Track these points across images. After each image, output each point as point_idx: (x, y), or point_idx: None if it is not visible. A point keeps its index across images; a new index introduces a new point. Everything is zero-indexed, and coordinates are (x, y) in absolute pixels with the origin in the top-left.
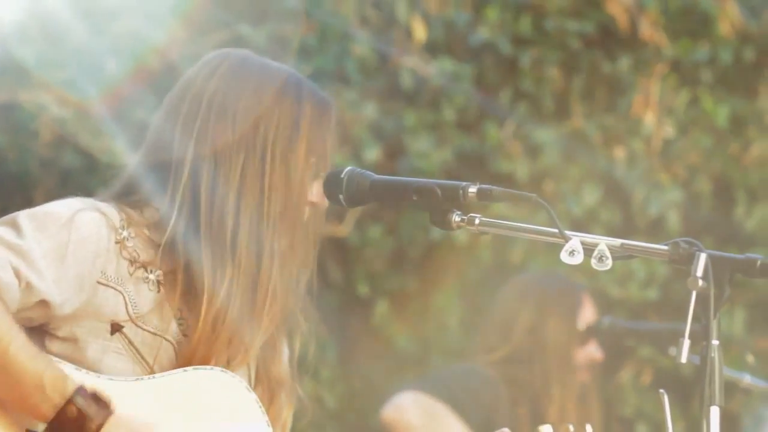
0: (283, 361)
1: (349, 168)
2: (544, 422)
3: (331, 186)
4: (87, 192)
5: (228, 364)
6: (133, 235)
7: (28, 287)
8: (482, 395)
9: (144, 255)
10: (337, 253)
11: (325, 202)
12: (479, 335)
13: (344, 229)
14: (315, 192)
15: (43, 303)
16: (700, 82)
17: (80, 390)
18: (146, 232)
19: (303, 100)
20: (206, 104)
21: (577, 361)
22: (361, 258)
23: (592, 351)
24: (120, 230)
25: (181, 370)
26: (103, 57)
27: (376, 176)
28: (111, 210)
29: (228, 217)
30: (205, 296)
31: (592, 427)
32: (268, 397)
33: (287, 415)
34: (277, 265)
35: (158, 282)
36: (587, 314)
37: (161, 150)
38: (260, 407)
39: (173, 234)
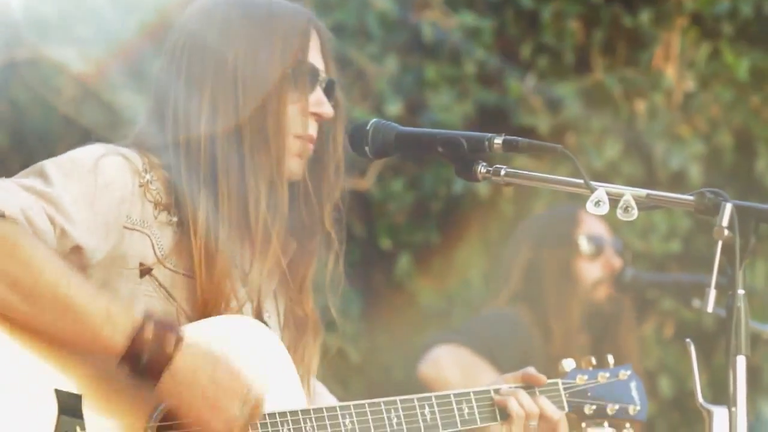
0: (310, 302)
1: (374, 120)
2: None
3: (357, 138)
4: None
5: (240, 302)
6: (155, 178)
7: (63, 233)
8: (515, 340)
9: (166, 198)
10: (359, 207)
11: (330, 111)
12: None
13: (366, 183)
14: (315, 102)
15: (77, 249)
16: (720, 35)
17: (149, 313)
18: (166, 174)
19: (272, 17)
20: (183, 49)
21: (588, 277)
22: (383, 211)
23: (609, 260)
24: (143, 173)
25: (210, 319)
26: (122, 11)
27: (402, 128)
28: (133, 154)
29: (205, 146)
30: (192, 229)
31: (624, 349)
32: (293, 338)
33: (311, 356)
34: (265, 191)
35: (179, 222)
36: (589, 228)
37: (160, 97)
38: (285, 351)
39: (173, 173)
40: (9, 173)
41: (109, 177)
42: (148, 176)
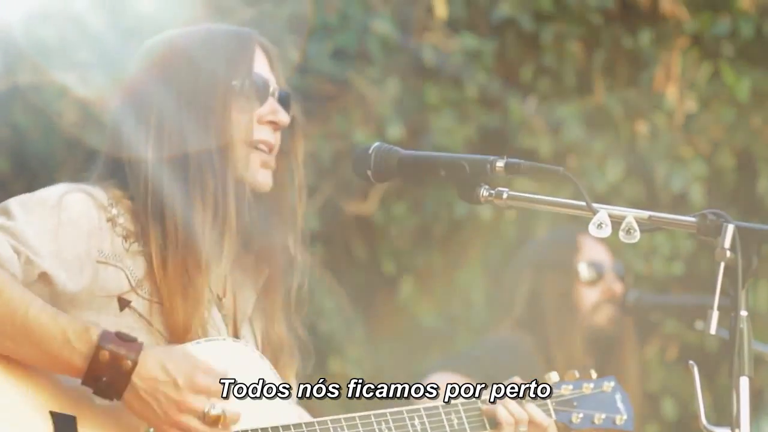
0: (282, 320)
1: (376, 144)
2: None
3: (359, 162)
4: None
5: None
6: (122, 211)
7: (28, 261)
8: (516, 366)
9: (135, 227)
10: (362, 232)
11: (286, 118)
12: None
13: (369, 207)
14: (270, 110)
15: (45, 277)
16: (721, 56)
17: (105, 334)
18: (131, 204)
19: (214, 40)
20: (131, 93)
21: (587, 302)
22: (386, 236)
23: (609, 285)
24: (109, 208)
25: (194, 342)
26: (124, 38)
27: (404, 152)
28: (97, 190)
29: (152, 173)
30: (153, 257)
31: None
32: (272, 361)
33: (290, 375)
34: (211, 203)
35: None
36: (589, 253)
37: (120, 144)
38: (272, 370)
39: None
40: (11, 197)
41: (73, 213)
42: (114, 210)
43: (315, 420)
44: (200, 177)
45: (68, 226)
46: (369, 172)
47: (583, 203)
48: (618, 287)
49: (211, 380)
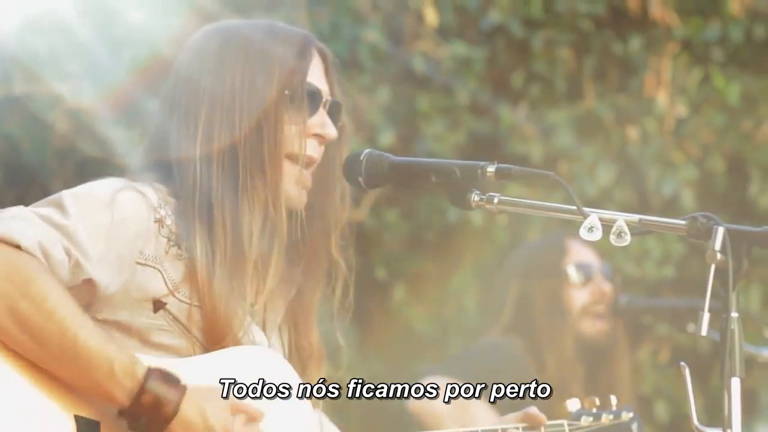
0: (315, 332)
1: (368, 150)
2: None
3: (351, 168)
4: None
5: (243, 326)
6: (170, 212)
7: (77, 265)
8: (508, 373)
9: (178, 229)
10: (353, 238)
11: (333, 132)
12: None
13: (361, 214)
14: (318, 123)
15: (89, 282)
16: (711, 61)
17: (151, 372)
18: (175, 204)
19: (271, 40)
20: (177, 80)
21: (577, 304)
22: (378, 242)
23: (598, 286)
24: (158, 209)
25: (226, 350)
26: (114, 49)
27: (395, 158)
28: (148, 189)
29: (200, 175)
30: (195, 257)
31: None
32: (299, 368)
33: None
34: (259, 214)
35: (189, 256)
36: (577, 256)
37: (159, 139)
38: (296, 378)
39: (181, 199)
40: (3, 207)
41: (125, 212)
42: (162, 211)
43: None
44: (250, 183)
45: (119, 226)
46: (360, 179)
47: (574, 207)
48: (607, 288)
49: (248, 430)
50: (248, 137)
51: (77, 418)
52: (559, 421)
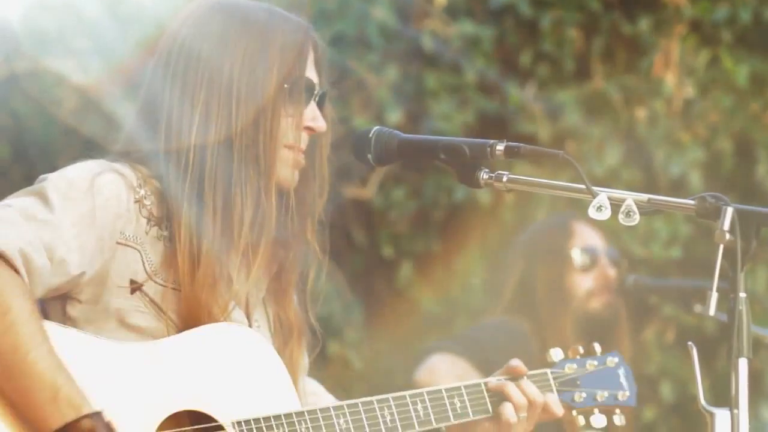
0: (294, 304)
1: (377, 128)
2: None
3: (360, 146)
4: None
5: (226, 311)
6: (149, 192)
7: (62, 263)
8: (513, 348)
9: (159, 210)
10: (361, 216)
11: (323, 125)
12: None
13: (368, 192)
14: (310, 116)
15: (73, 280)
16: (720, 42)
17: (98, 415)
18: (157, 185)
19: (270, 30)
20: (179, 55)
21: (581, 289)
22: (385, 220)
23: (602, 271)
24: (138, 189)
25: (198, 329)
26: (121, 26)
27: (404, 135)
28: (126, 170)
29: (194, 157)
30: (177, 238)
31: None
32: (281, 342)
33: (298, 357)
34: (251, 203)
35: (170, 237)
36: (583, 239)
37: (151, 103)
38: (275, 355)
39: (163, 182)
40: (11, 184)
41: (106, 195)
42: (142, 191)
43: (318, 408)
44: (245, 174)
45: (101, 210)
46: (369, 156)
47: (583, 186)
48: (612, 273)
49: None
50: (245, 127)
51: None
52: (541, 371)
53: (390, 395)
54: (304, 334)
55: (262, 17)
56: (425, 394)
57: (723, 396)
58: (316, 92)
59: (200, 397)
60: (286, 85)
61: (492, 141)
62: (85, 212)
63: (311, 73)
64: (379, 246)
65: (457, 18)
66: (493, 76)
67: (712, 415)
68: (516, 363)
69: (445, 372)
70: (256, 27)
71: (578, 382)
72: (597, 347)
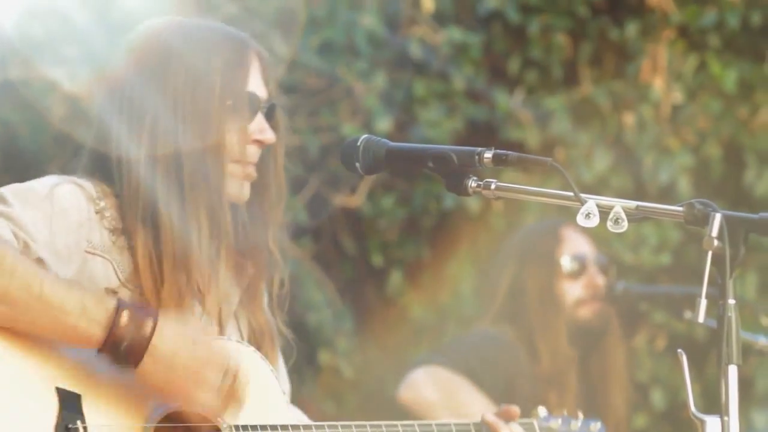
0: (264, 310)
1: (365, 136)
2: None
3: (348, 154)
4: None
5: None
6: (108, 205)
7: (26, 246)
8: (499, 362)
9: (119, 224)
10: (350, 224)
11: (272, 137)
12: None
13: (357, 200)
14: (257, 129)
15: (40, 262)
16: (707, 47)
17: (122, 300)
18: (117, 202)
19: (212, 47)
20: (128, 78)
21: (570, 297)
22: (374, 228)
23: (591, 279)
24: (97, 201)
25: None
26: (111, 34)
27: (392, 144)
28: (86, 183)
29: (144, 178)
30: (137, 256)
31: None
32: (255, 347)
33: (273, 361)
34: (207, 220)
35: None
36: (572, 246)
37: (103, 127)
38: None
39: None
40: None
41: (65, 203)
42: (102, 203)
43: (313, 424)
44: (196, 192)
45: (60, 216)
46: (358, 165)
47: (571, 194)
48: (601, 280)
49: (225, 355)
50: (192, 146)
51: (59, 390)
52: (528, 420)
53: (383, 423)
54: (276, 339)
55: (203, 35)
56: (416, 426)
57: (714, 403)
58: (262, 105)
59: None
60: (229, 102)
61: (480, 149)
62: (42, 216)
63: (256, 86)
64: (368, 254)
65: (445, 25)
66: (481, 83)
67: (702, 422)
68: (508, 407)
69: (429, 385)
70: (197, 45)
71: None
72: (580, 414)
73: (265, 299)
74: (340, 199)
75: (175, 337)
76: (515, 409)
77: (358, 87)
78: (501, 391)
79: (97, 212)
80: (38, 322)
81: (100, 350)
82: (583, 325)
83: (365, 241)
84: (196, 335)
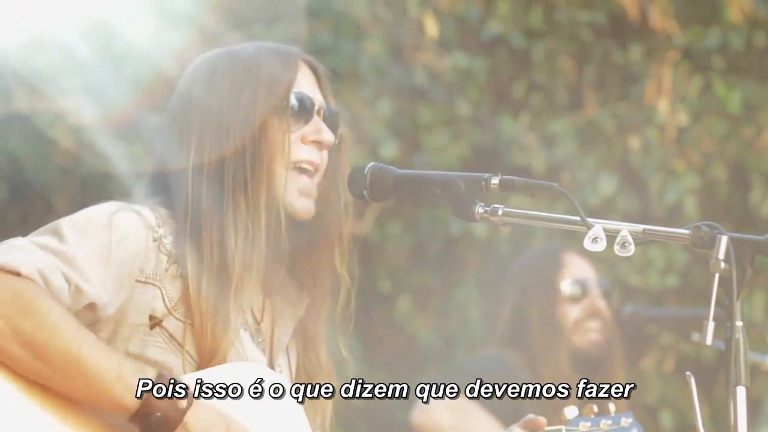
0: (322, 350)
1: (372, 164)
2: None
3: (355, 182)
4: (107, 198)
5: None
6: (168, 232)
7: (78, 291)
8: (506, 383)
9: (176, 249)
10: (357, 251)
11: (330, 137)
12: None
13: (364, 227)
14: (313, 130)
15: (91, 306)
16: (711, 69)
17: (160, 375)
18: (175, 224)
19: (256, 59)
20: (177, 103)
21: (569, 319)
22: (381, 254)
23: (592, 302)
24: (156, 228)
25: (221, 366)
26: (119, 63)
27: (399, 171)
28: (145, 210)
29: (192, 196)
30: (188, 279)
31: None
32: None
33: (325, 406)
34: (242, 239)
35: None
36: (573, 271)
37: (165, 158)
38: (295, 402)
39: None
40: (8, 225)
41: (123, 232)
42: (161, 230)
43: None
44: (233, 198)
45: (118, 246)
46: (365, 192)
47: (578, 218)
48: (602, 303)
49: None
50: (235, 152)
51: None
52: (556, 427)
53: None
54: (331, 379)
55: (249, 50)
56: None
57: (722, 425)
58: (317, 107)
59: None
60: (274, 102)
61: (487, 175)
62: (100, 248)
63: (309, 90)
64: (376, 280)
65: (449, 50)
66: (486, 109)
67: None
68: (532, 417)
69: (441, 408)
70: (242, 59)
71: None
72: (611, 407)
73: (323, 330)
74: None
75: (209, 418)
76: (542, 420)
77: (363, 114)
78: (508, 414)
79: (155, 240)
80: (71, 382)
81: (131, 419)
82: (584, 349)
83: (373, 267)
84: (230, 417)
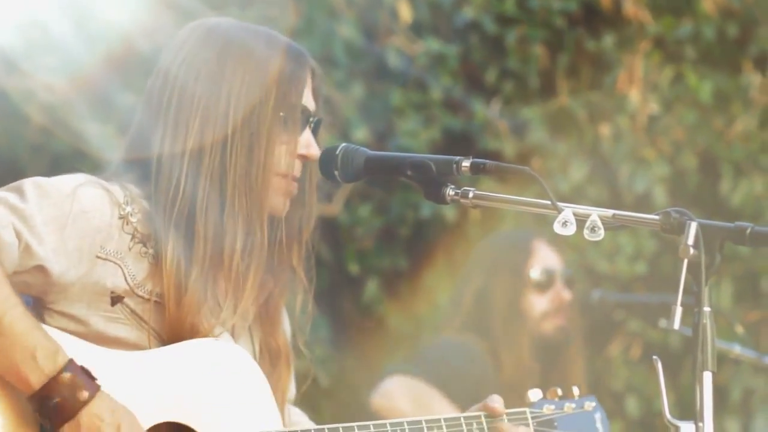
0: (283, 332)
1: (344, 144)
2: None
3: (327, 162)
4: None
5: (211, 334)
6: (136, 210)
7: (27, 250)
8: (469, 372)
9: (145, 229)
10: (326, 233)
11: (317, 152)
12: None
13: (334, 209)
14: (304, 144)
15: (41, 269)
16: (683, 59)
17: (72, 363)
18: (146, 205)
19: (271, 56)
20: (172, 89)
21: (536, 310)
22: (350, 237)
23: (558, 293)
24: (124, 205)
25: (185, 343)
26: (89, 44)
27: (371, 152)
28: (114, 187)
29: (185, 184)
30: (164, 265)
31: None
32: (269, 367)
33: (286, 384)
34: (242, 232)
35: (155, 255)
36: (542, 259)
37: (141, 133)
38: (260, 373)
39: (152, 205)
40: None
41: (87, 205)
42: (129, 208)
43: (310, 429)
44: (237, 202)
45: (78, 218)
46: (337, 173)
47: (548, 202)
48: (567, 295)
49: None
50: (239, 155)
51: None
52: (520, 409)
53: (405, 420)
54: (292, 360)
55: (261, 46)
56: (405, 424)
57: (688, 409)
58: (311, 120)
59: (184, 409)
60: (281, 113)
61: (458, 158)
62: (58, 215)
63: (308, 101)
64: (345, 263)
65: (423, 35)
66: (458, 94)
67: (677, 428)
68: (495, 401)
69: (401, 393)
70: (254, 56)
71: (555, 424)
72: (575, 390)
73: (285, 319)
74: (317, 208)
75: (104, 412)
76: (499, 407)
77: (335, 97)
78: (469, 400)
79: (121, 217)
80: None
81: (30, 398)
82: (546, 338)
83: (342, 249)
84: (125, 415)
